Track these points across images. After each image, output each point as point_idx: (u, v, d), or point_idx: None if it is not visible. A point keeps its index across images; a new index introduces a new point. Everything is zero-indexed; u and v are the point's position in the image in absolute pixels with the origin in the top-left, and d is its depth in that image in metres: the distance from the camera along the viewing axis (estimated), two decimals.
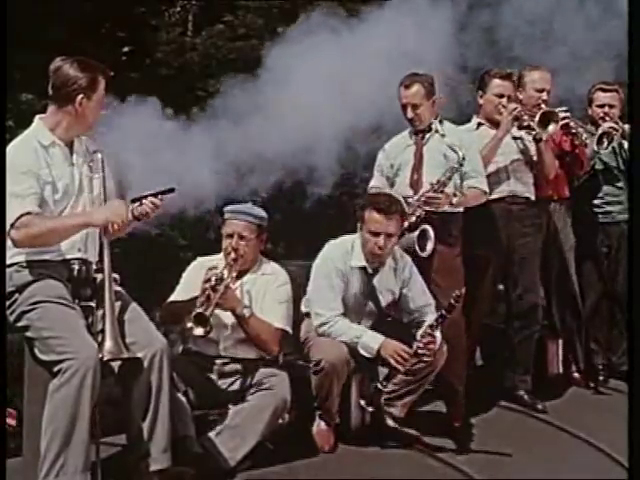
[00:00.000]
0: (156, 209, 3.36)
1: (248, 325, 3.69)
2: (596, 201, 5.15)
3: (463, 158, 4.19)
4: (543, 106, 4.82)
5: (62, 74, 3.22)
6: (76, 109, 3.22)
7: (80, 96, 3.20)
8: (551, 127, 4.55)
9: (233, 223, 3.84)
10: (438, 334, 3.78)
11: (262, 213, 3.91)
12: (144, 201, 3.34)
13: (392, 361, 3.72)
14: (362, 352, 3.80)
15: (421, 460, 3.82)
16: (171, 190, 3.38)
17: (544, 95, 4.87)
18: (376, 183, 4.59)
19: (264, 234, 3.90)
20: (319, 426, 3.84)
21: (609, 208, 5.13)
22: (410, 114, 4.32)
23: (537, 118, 4.54)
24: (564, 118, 4.81)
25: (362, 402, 3.85)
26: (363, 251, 3.94)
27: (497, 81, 4.68)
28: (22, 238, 3.08)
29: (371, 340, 3.79)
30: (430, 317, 3.87)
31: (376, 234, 3.85)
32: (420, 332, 3.80)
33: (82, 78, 3.21)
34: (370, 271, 3.97)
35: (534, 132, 4.58)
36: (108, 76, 3.29)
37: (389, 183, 4.50)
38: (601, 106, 5.09)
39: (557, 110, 4.78)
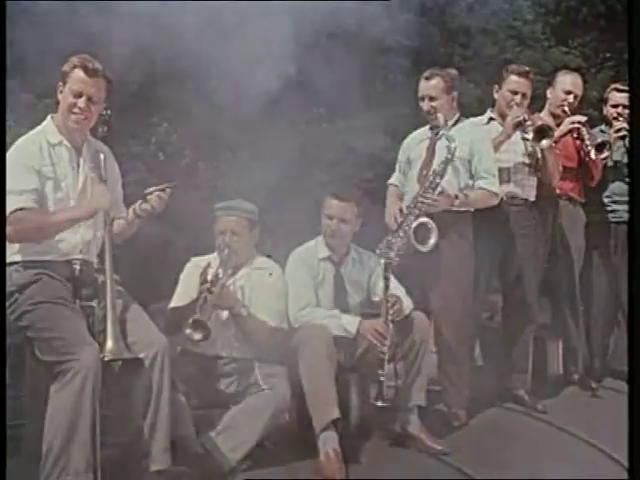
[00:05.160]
0: (162, 203, 3.37)
1: (245, 324, 3.71)
2: (605, 200, 5.16)
3: (455, 149, 4.12)
4: (566, 108, 4.90)
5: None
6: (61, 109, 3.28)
7: (60, 95, 3.28)
8: (544, 142, 4.52)
9: (224, 219, 3.86)
10: (401, 294, 3.90)
11: (252, 207, 3.94)
12: (149, 197, 3.35)
13: (371, 337, 3.78)
14: (340, 334, 3.84)
15: (421, 460, 3.83)
16: (174, 186, 3.43)
17: (570, 98, 4.94)
18: (393, 180, 4.64)
19: (256, 228, 3.92)
20: (327, 454, 3.54)
21: (616, 207, 5.13)
22: (426, 106, 4.30)
23: (533, 131, 4.51)
24: (577, 127, 4.83)
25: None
26: (326, 241, 4.06)
27: (514, 77, 4.68)
28: (14, 233, 3.12)
29: (349, 321, 3.86)
30: (406, 302, 3.93)
31: (330, 217, 4.00)
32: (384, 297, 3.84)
33: (61, 79, 3.27)
34: (336, 260, 4.06)
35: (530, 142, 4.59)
36: (78, 65, 3.26)
37: (405, 179, 4.51)
38: (615, 106, 5.11)
39: (571, 119, 4.82)
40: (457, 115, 4.39)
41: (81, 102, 3.25)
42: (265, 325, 3.77)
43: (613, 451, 3.96)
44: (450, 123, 4.32)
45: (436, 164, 4.20)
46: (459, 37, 10.04)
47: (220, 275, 3.64)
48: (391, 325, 3.79)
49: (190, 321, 3.48)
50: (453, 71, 4.38)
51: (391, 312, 3.80)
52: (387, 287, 3.85)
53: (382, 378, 3.75)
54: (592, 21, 12.17)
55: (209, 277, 3.62)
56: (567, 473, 3.77)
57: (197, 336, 3.49)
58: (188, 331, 3.48)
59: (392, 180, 4.66)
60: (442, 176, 4.13)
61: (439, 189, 4.13)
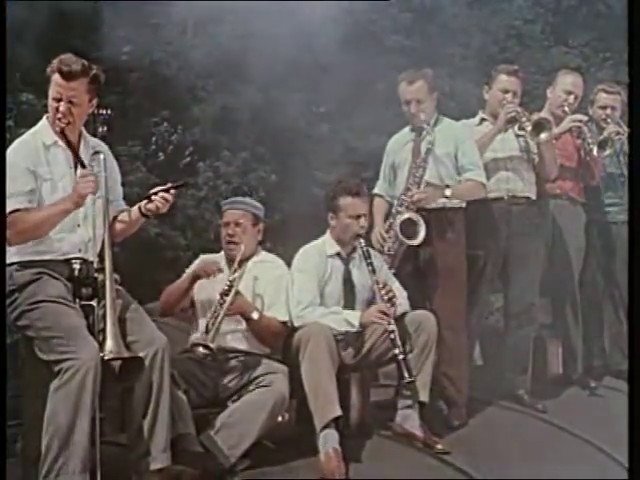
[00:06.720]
0: (166, 204, 3.35)
1: (258, 325, 3.77)
2: (603, 200, 5.17)
3: (431, 143, 4.18)
4: (566, 109, 4.90)
5: None
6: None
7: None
8: (542, 136, 4.52)
9: (229, 212, 3.96)
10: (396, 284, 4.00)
11: (258, 205, 4.05)
12: (154, 197, 3.33)
13: (376, 320, 3.78)
14: (344, 328, 3.84)
15: (421, 460, 3.82)
16: (184, 185, 3.45)
17: (570, 98, 4.93)
18: (377, 190, 4.63)
19: (260, 224, 3.99)
20: (327, 453, 3.52)
21: (609, 209, 5.15)
22: (414, 109, 4.31)
23: (531, 124, 4.52)
24: (578, 125, 4.85)
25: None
26: (338, 238, 4.04)
27: (503, 76, 4.68)
28: (12, 236, 3.12)
29: (351, 315, 3.88)
30: (403, 306, 3.95)
31: (358, 216, 3.98)
32: (376, 287, 3.87)
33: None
34: (345, 256, 4.06)
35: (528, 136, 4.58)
36: (55, 69, 3.23)
37: (390, 187, 4.51)
38: (603, 107, 5.10)
39: (573, 117, 4.83)
40: (436, 114, 4.40)
41: (62, 106, 3.21)
42: (275, 322, 3.82)
43: (613, 451, 3.96)
44: (432, 122, 4.33)
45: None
46: (459, 37, 10.05)
47: (233, 282, 3.70)
48: (390, 306, 3.80)
49: (200, 345, 3.58)
50: (429, 71, 4.40)
51: (383, 292, 3.83)
52: (373, 271, 3.90)
53: (401, 356, 3.72)
54: (592, 21, 12.18)
55: (224, 288, 3.69)
56: (567, 473, 3.77)
57: (202, 351, 3.59)
58: (195, 348, 3.59)
59: (377, 190, 4.64)
60: (424, 168, 4.17)
61: (424, 183, 4.17)
